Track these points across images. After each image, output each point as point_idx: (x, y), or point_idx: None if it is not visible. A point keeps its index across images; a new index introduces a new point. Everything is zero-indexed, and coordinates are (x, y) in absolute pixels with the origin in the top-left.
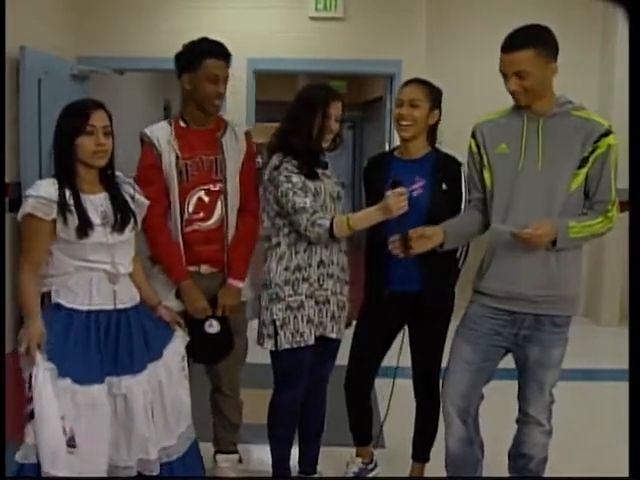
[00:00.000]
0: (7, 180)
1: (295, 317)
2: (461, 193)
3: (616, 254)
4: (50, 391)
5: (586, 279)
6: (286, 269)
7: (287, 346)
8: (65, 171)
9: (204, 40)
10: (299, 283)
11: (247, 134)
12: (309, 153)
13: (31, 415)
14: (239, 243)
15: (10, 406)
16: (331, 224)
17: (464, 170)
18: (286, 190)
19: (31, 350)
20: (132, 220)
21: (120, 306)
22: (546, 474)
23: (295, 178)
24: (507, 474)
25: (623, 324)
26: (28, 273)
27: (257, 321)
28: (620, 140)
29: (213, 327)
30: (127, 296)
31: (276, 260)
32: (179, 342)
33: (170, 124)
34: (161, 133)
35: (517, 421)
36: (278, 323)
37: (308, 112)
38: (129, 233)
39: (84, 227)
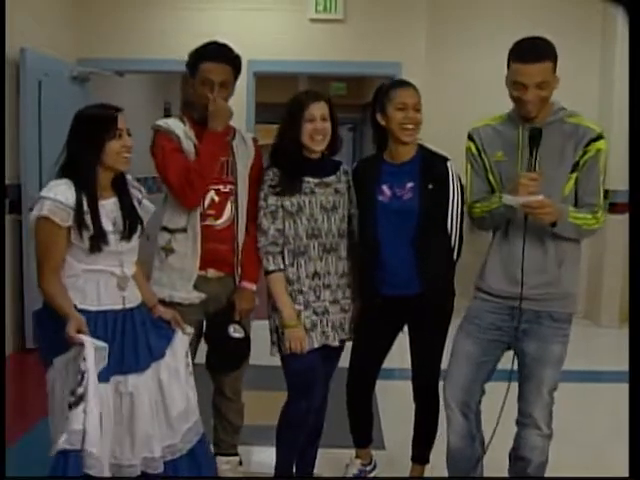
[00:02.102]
0: (7, 181)
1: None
2: (448, 189)
3: (616, 256)
4: (95, 373)
5: (586, 281)
6: None
7: (287, 352)
8: (85, 177)
9: (209, 43)
10: (295, 294)
11: (255, 140)
12: (294, 164)
13: (77, 401)
14: (251, 247)
15: (12, 405)
16: (273, 270)
17: (451, 165)
18: (259, 208)
19: (75, 337)
20: (139, 227)
21: (128, 306)
22: (547, 475)
23: (271, 199)
24: (507, 475)
25: (623, 326)
26: (50, 278)
27: (257, 323)
28: (620, 139)
29: (238, 332)
30: (134, 296)
31: None
32: (182, 339)
33: (182, 120)
34: (176, 124)
35: (517, 423)
36: (280, 330)
37: (289, 119)
38: (136, 240)
39: (98, 241)
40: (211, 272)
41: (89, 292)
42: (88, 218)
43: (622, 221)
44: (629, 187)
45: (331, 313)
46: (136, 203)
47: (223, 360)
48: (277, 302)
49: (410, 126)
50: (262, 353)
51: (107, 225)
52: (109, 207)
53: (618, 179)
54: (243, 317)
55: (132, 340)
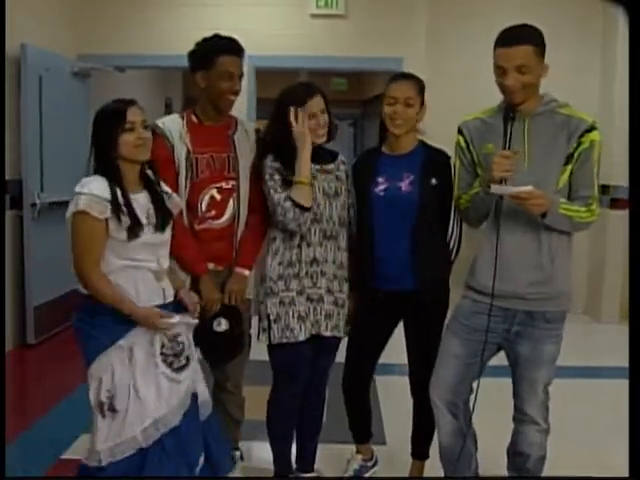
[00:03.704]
0: (8, 177)
1: (287, 312)
2: (451, 186)
3: (617, 252)
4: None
5: (587, 277)
6: (280, 264)
7: (279, 341)
8: (111, 170)
9: (217, 37)
10: (290, 279)
11: (257, 131)
12: (293, 155)
13: (186, 363)
14: (248, 239)
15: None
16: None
17: (453, 163)
18: (269, 188)
19: (160, 324)
20: (170, 219)
21: (168, 300)
22: (546, 472)
23: (277, 175)
24: (505, 472)
25: (623, 322)
26: (96, 273)
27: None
28: (622, 136)
29: (221, 325)
30: (170, 290)
31: (271, 254)
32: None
33: (182, 118)
34: (173, 126)
35: (513, 419)
36: (272, 317)
37: (288, 114)
38: (169, 232)
39: (135, 228)
40: (210, 266)
41: (128, 290)
42: (124, 208)
43: (623, 217)
44: (629, 185)
45: (325, 302)
46: (165, 197)
47: (207, 353)
48: (302, 168)
49: (398, 121)
50: (263, 348)
51: (141, 217)
52: (141, 200)
53: (620, 175)
54: (233, 300)
55: None
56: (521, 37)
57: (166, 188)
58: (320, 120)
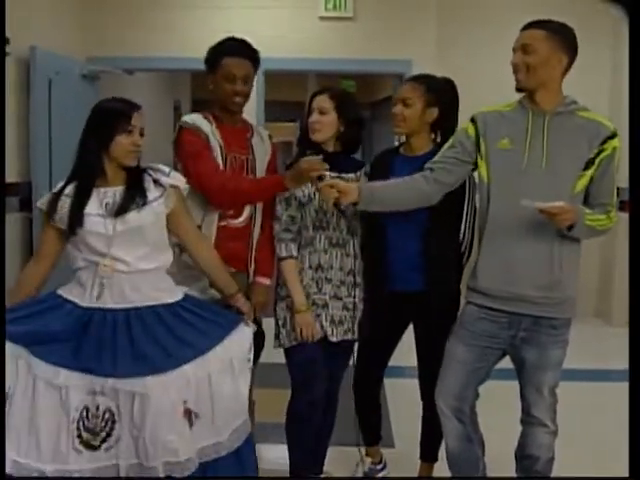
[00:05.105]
0: (18, 180)
1: (293, 316)
2: (464, 190)
3: (627, 254)
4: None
5: (598, 279)
6: None
7: (287, 344)
8: (87, 165)
9: (228, 39)
10: None
11: (270, 137)
12: (302, 150)
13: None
14: (265, 243)
15: None
16: (285, 257)
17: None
18: (276, 196)
19: None
20: (137, 207)
21: (125, 305)
22: (557, 474)
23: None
24: (513, 474)
25: None
26: (32, 265)
27: (266, 320)
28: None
29: (250, 327)
30: (138, 295)
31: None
32: (243, 334)
33: (207, 119)
34: (202, 123)
35: (521, 422)
36: (280, 322)
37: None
38: (134, 222)
39: (72, 221)
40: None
41: (87, 287)
42: (65, 199)
43: None
44: (629, 185)
45: (331, 308)
46: (151, 185)
47: None
48: (289, 288)
49: (396, 120)
50: (272, 350)
51: (92, 208)
52: (109, 193)
53: (618, 179)
54: (258, 311)
55: (144, 341)
56: (534, 23)
57: (159, 175)
58: (313, 117)
